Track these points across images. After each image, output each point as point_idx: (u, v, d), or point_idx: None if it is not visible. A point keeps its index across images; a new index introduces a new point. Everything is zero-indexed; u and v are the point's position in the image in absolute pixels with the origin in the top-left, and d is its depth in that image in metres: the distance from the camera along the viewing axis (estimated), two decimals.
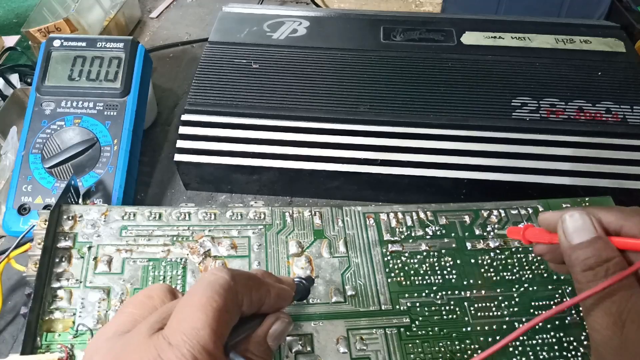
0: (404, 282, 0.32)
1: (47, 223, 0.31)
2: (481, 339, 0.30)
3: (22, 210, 0.39)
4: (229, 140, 0.42)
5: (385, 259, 0.33)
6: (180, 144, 0.42)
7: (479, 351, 0.30)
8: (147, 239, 0.33)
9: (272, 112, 0.43)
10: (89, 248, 0.32)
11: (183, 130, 0.43)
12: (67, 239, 0.32)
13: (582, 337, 0.30)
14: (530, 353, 0.30)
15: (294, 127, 0.42)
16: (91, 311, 0.29)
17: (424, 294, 0.32)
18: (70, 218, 0.33)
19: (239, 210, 0.35)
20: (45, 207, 0.39)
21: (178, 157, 0.42)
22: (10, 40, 0.60)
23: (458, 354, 0.29)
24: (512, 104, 0.43)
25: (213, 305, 0.20)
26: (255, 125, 0.42)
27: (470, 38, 0.50)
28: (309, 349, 0.29)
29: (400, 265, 0.33)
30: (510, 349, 0.30)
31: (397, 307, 0.31)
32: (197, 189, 0.45)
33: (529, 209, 0.36)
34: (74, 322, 0.29)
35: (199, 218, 0.34)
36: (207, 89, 0.45)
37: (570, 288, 0.32)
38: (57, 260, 0.31)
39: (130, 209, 0.34)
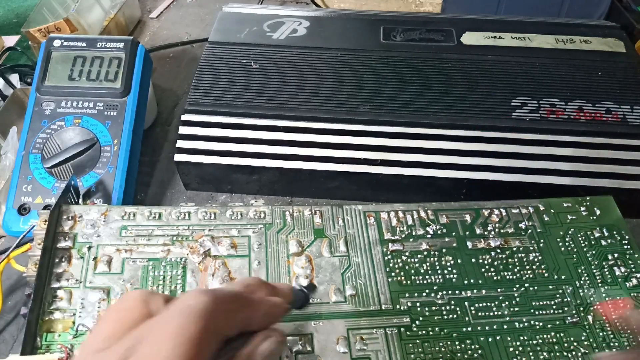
0: (404, 282, 0.32)
1: (47, 223, 0.31)
2: (482, 338, 0.30)
3: (22, 210, 0.39)
4: (229, 140, 0.42)
5: (386, 258, 0.33)
6: (180, 144, 0.42)
7: (480, 351, 0.30)
8: (147, 238, 0.33)
9: (272, 112, 0.43)
10: (89, 248, 0.32)
11: (183, 130, 0.43)
12: (67, 239, 0.32)
13: (583, 338, 0.30)
14: (531, 353, 0.30)
15: (293, 127, 0.42)
16: (91, 311, 0.29)
17: (424, 294, 0.32)
18: (70, 218, 0.33)
19: (239, 209, 0.34)
20: (45, 207, 0.39)
21: (178, 157, 0.42)
22: (10, 40, 0.60)
23: (459, 354, 0.29)
24: (512, 104, 0.43)
25: (186, 334, 0.18)
26: (255, 125, 0.42)
27: (470, 38, 0.50)
28: (309, 348, 0.29)
29: (400, 264, 0.33)
30: (511, 349, 0.30)
31: (398, 306, 0.31)
32: (197, 189, 0.45)
33: (530, 208, 0.36)
34: (74, 323, 0.29)
35: (198, 217, 0.34)
36: (207, 89, 0.45)
37: (570, 288, 0.32)
38: (57, 260, 0.31)
39: (130, 209, 0.34)
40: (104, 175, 0.40)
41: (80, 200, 0.36)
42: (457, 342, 0.30)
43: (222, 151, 0.42)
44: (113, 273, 0.31)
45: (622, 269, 0.33)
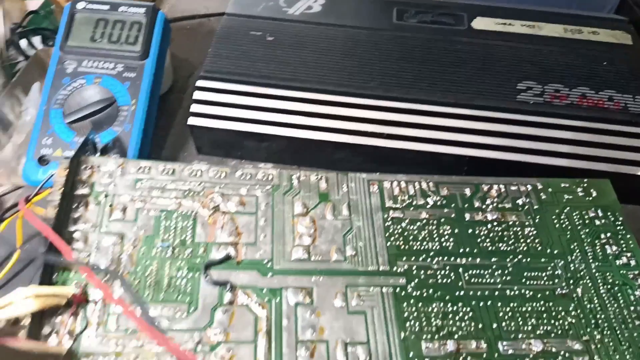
0: (402, 247, 0.34)
1: (67, 170, 0.33)
2: (473, 302, 0.31)
3: (42, 161, 0.40)
4: (242, 107, 0.43)
5: (386, 224, 0.35)
6: (195, 108, 0.44)
7: (471, 314, 0.31)
8: (160, 191, 0.34)
9: (285, 83, 0.44)
10: (105, 196, 0.33)
11: (197, 95, 0.44)
12: (84, 186, 0.33)
13: (570, 308, 0.32)
14: (520, 319, 0.31)
15: (304, 98, 0.44)
16: (105, 254, 0.31)
17: (421, 259, 0.33)
18: (88, 168, 0.34)
19: (249, 170, 0.36)
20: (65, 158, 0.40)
21: (192, 121, 0.43)
22: (34, 4, 0.62)
23: (450, 315, 0.31)
24: (518, 87, 0.45)
25: None
26: (268, 95, 0.44)
27: (480, 23, 0.51)
28: (308, 300, 0.31)
29: (400, 230, 0.34)
30: (501, 314, 0.31)
31: (395, 268, 0.33)
32: (209, 154, 0.46)
33: (528, 185, 0.37)
34: (88, 263, 0.31)
35: (210, 175, 0.35)
36: (222, 57, 0.46)
37: (562, 262, 0.34)
38: (74, 205, 0.33)
39: (145, 163, 0.35)
40: (120, 133, 0.41)
41: (98, 154, 0.38)
42: (449, 304, 0.31)
43: (234, 117, 0.43)
44: (127, 221, 0.33)
45: (614, 248, 0.35)
